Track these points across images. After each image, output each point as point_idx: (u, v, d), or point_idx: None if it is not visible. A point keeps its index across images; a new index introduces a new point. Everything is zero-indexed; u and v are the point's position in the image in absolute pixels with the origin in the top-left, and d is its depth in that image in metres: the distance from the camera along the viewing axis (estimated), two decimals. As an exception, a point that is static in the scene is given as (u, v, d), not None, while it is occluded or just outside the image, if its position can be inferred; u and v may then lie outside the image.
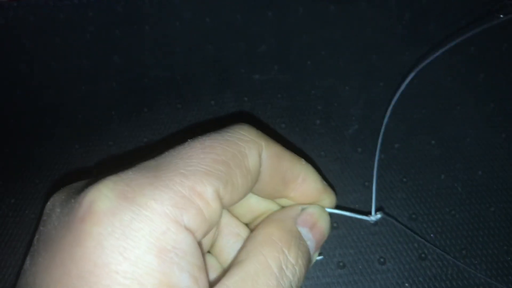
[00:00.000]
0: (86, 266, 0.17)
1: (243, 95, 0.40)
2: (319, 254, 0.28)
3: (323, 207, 0.28)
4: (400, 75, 0.41)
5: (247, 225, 0.29)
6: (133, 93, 0.41)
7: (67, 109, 0.40)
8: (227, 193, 0.21)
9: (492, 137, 0.38)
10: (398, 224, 0.34)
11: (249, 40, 0.43)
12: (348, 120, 0.39)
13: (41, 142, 0.39)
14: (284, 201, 0.28)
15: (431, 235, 0.34)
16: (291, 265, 0.23)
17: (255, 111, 0.40)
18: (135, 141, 0.39)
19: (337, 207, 0.29)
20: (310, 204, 0.27)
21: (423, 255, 0.34)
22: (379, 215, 0.31)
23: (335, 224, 0.35)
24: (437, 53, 0.31)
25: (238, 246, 0.27)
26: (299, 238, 0.25)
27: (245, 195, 0.23)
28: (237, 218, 0.29)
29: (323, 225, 0.27)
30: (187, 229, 0.19)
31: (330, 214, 0.28)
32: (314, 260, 0.27)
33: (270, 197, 0.27)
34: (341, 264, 0.34)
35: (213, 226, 0.21)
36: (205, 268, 0.20)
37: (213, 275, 0.26)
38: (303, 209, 0.27)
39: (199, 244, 0.21)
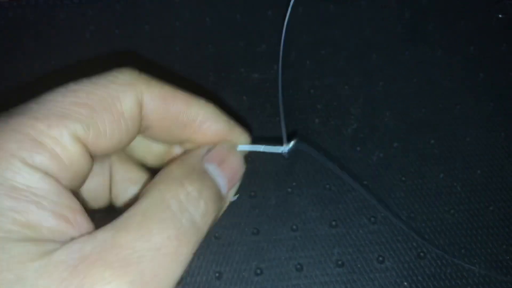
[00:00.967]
0: None
1: (242, 94, 0.40)
2: (236, 194, 0.27)
3: (233, 144, 0.26)
4: (400, 75, 0.42)
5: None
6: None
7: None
8: (92, 138, 0.20)
9: (492, 137, 0.38)
10: (395, 221, 0.34)
11: (248, 39, 0.43)
12: (347, 119, 0.39)
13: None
14: (190, 146, 0.26)
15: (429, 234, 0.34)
16: (193, 198, 0.21)
17: (254, 109, 0.40)
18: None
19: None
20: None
21: (421, 254, 0.34)
22: (291, 145, 0.29)
23: (333, 222, 0.35)
24: None
25: (135, 190, 0.27)
26: (204, 173, 0.23)
27: (122, 141, 0.22)
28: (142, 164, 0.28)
29: (234, 161, 0.25)
30: (43, 171, 0.18)
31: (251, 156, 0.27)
32: (228, 199, 0.26)
33: (170, 141, 0.26)
34: (339, 262, 0.34)
35: (84, 170, 0.21)
36: (84, 211, 0.20)
37: None
38: (211, 147, 0.25)
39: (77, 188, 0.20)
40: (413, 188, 0.36)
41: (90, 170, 0.21)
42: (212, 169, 0.24)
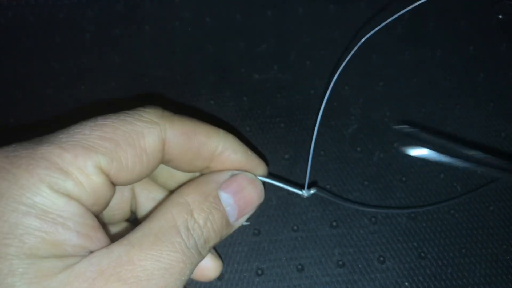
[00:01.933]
0: None
1: (243, 95, 0.40)
2: (247, 220, 0.28)
3: (254, 175, 0.28)
4: (400, 75, 0.42)
5: None
6: (133, 92, 0.41)
7: (67, 109, 0.40)
8: (115, 170, 0.22)
9: (492, 137, 0.38)
10: (395, 221, 0.34)
11: (248, 39, 0.43)
12: (347, 120, 0.39)
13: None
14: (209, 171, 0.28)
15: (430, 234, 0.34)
16: (198, 227, 0.23)
17: (255, 110, 0.40)
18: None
19: (272, 177, 0.29)
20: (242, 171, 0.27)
21: (422, 254, 0.34)
22: (312, 191, 0.31)
23: (334, 223, 0.35)
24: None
25: None
26: (215, 202, 0.25)
27: (142, 173, 0.24)
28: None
29: (251, 192, 0.27)
30: (68, 196, 0.20)
31: (265, 185, 0.28)
32: (237, 226, 0.27)
33: (190, 171, 0.28)
34: (340, 263, 0.34)
35: (106, 197, 0.22)
36: (102, 228, 0.22)
37: None
38: (233, 175, 0.27)
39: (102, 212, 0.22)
40: (413, 188, 0.36)
41: (111, 197, 0.23)
42: (225, 198, 0.25)
